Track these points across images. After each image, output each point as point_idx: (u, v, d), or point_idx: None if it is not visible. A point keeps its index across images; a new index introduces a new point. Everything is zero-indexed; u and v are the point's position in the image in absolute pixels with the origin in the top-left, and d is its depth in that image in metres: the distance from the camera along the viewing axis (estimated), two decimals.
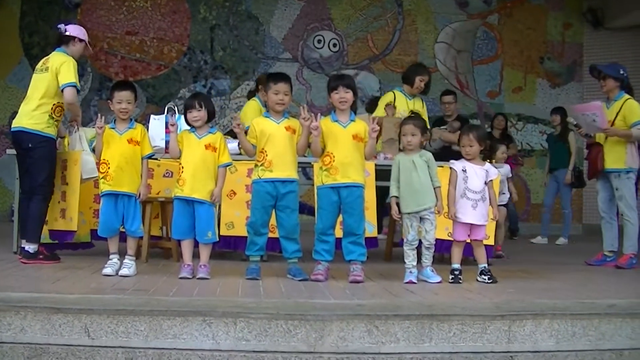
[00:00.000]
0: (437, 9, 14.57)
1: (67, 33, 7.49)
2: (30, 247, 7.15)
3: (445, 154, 8.67)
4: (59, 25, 7.61)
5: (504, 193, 8.97)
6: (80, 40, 7.54)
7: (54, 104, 7.27)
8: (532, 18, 14.69)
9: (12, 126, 7.41)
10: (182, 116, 6.86)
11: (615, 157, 8.19)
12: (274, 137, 6.44)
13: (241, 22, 14.23)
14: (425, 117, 8.84)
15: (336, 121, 6.48)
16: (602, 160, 8.24)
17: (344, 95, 6.45)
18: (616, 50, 13.83)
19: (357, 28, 14.39)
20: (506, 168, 9.09)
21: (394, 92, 9.13)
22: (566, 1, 14.74)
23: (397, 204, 6.51)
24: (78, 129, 7.63)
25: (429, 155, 6.58)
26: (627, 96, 8.22)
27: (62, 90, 7.20)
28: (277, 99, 6.47)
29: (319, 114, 6.52)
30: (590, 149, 8.52)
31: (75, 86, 7.23)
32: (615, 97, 8.28)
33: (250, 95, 9.76)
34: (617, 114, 8.15)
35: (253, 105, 9.10)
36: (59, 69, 7.23)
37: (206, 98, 6.67)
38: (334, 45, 14.31)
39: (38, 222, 7.25)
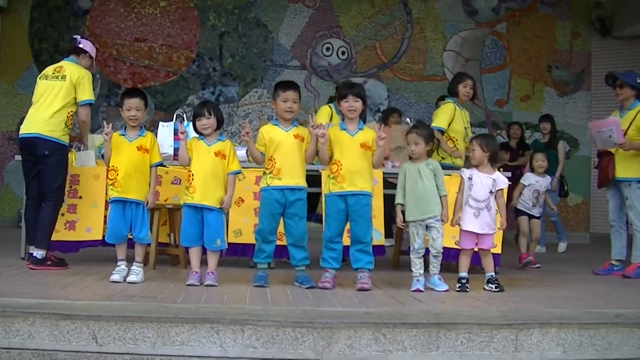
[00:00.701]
0: (446, 18, 14.58)
1: (81, 46, 7.59)
2: (39, 253, 7.18)
3: None
4: (75, 36, 7.73)
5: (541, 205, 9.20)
6: (90, 57, 7.66)
7: (69, 113, 7.36)
8: (540, 27, 14.68)
9: (25, 132, 7.40)
10: (191, 123, 6.87)
11: (626, 167, 8.13)
12: (283, 145, 6.46)
13: (250, 29, 14.26)
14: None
15: (344, 129, 6.49)
16: (613, 169, 8.19)
17: (353, 104, 6.46)
18: (624, 59, 13.81)
19: (366, 36, 14.40)
20: (546, 180, 9.22)
21: (454, 104, 8.84)
22: (574, 10, 14.73)
23: (403, 212, 6.53)
24: (86, 147, 7.71)
25: (436, 164, 6.59)
26: None
27: (80, 105, 7.34)
28: (285, 107, 6.49)
29: (327, 122, 6.54)
30: (600, 158, 8.44)
31: (92, 104, 7.42)
32: (629, 106, 8.20)
33: (330, 100, 9.71)
34: (631, 123, 8.08)
35: (325, 110, 9.00)
36: (78, 82, 7.35)
37: (215, 106, 6.69)
38: (343, 53, 14.32)
39: (48, 228, 7.28)
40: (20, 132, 7.47)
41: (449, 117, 8.66)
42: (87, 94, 7.36)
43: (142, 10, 14.10)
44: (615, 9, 14.27)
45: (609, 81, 8.48)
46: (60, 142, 7.28)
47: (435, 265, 6.49)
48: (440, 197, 6.49)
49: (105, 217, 7.34)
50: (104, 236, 7.11)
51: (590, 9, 14.61)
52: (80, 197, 7.68)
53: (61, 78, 7.38)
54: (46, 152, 7.26)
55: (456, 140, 8.62)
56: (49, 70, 7.56)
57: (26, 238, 7.69)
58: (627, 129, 8.08)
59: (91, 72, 7.76)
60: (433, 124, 8.57)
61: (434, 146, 7.74)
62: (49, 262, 7.20)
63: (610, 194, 8.45)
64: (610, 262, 8.35)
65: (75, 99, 7.36)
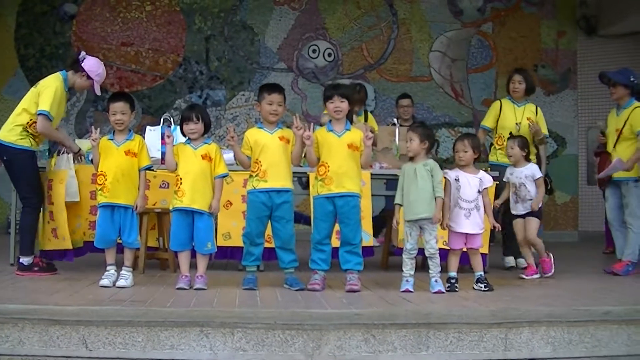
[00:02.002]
0: (432, 18, 14.58)
1: (82, 64, 7.39)
2: (25, 260, 7.16)
3: None
4: (81, 52, 7.58)
5: (529, 199, 7.69)
6: (89, 77, 7.41)
7: (30, 119, 7.20)
8: (525, 26, 14.70)
9: None
10: (178, 127, 6.87)
11: None
12: (268, 147, 6.46)
13: (236, 32, 14.25)
14: (543, 122, 8.74)
15: (331, 131, 6.51)
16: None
17: (339, 104, 6.47)
18: (610, 57, 13.85)
19: (352, 37, 14.40)
20: (526, 169, 7.70)
21: (500, 101, 8.83)
22: (559, 9, 14.76)
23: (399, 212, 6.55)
24: (65, 152, 7.55)
25: (433, 164, 6.55)
26: (636, 104, 8.11)
27: (37, 114, 7.16)
28: (270, 110, 6.49)
29: (312, 124, 6.55)
30: (600, 159, 8.51)
31: (46, 115, 7.12)
32: (625, 105, 8.18)
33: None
34: (625, 122, 8.08)
35: None
36: (41, 90, 7.22)
37: (203, 110, 6.70)
38: (329, 54, 14.32)
39: (28, 234, 7.24)
40: None
41: (494, 115, 8.72)
42: (43, 104, 7.11)
43: (128, 15, 14.07)
44: (600, 8, 14.31)
45: (603, 80, 8.47)
46: (17, 146, 7.16)
47: (432, 267, 6.48)
48: (435, 197, 6.47)
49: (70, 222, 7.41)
50: (91, 242, 7.07)
51: (575, 7, 14.64)
52: (52, 203, 7.53)
53: (35, 85, 7.35)
54: (5, 158, 7.23)
55: (504, 137, 8.47)
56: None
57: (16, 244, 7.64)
58: (622, 127, 8.10)
59: (92, 92, 7.65)
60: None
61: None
62: (36, 268, 7.18)
63: (609, 192, 8.45)
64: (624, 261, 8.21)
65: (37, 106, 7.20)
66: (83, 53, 7.53)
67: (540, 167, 7.94)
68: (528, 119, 8.51)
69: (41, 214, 7.48)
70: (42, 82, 7.33)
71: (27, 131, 7.23)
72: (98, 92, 7.68)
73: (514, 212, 7.74)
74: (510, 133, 8.28)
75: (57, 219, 7.44)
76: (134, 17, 14.07)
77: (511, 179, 7.72)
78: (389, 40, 14.47)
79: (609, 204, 8.44)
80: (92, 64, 7.43)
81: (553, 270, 7.66)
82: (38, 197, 7.37)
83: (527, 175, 7.64)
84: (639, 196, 8.10)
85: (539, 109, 8.83)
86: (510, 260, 8.56)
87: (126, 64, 13.88)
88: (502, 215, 8.19)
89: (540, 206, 7.72)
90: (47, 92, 7.17)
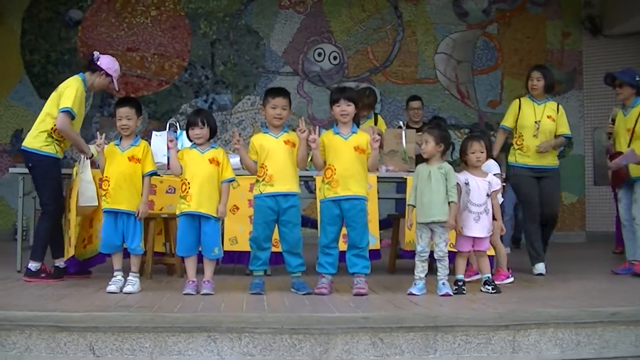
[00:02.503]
0: (437, 20, 14.58)
1: (98, 63, 7.46)
2: (33, 265, 7.17)
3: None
4: (94, 52, 7.62)
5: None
6: (107, 74, 7.50)
7: (54, 124, 7.22)
8: (531, 27, 14.69)
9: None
10: (184, 132, 6.87)
11: (638, 166, 8.04)
12: (274, 151, 6.47)
13: (241, 36, 14.25)
14: (564, 121, 8.49)
15: (337, 134, 6.50)
16: (626, 169, 8.09)
17: (345, 108, 6.47)
18: (615, 57, 13.85)
19: (357, 40, 14.40)
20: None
21: (520, 99, 8.63)
22: (564, 10, 14.75)
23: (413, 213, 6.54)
24: (84, 158, 7.55)
25: (448, 168, 6.52)
26: None
27: (58, 112, 7.18)
28: (274, 114, 6.50)
29: (317, 127, 6.55)
30: (612, 159, 8.37)
31: (68, 111, 7.15)
32: (632, 104, 8.14)
33: None
34: (637, 120, 8.02)
35: None
36: (62, 91, 7.25)
37: (209, 115, 6.70)
38: (335, 58, 14.32)
39: (42, 240, 7.26)
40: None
41: (513, 114, 8.48)
42: (65, 101, 7.15)
43: (133, 20, 14.09)
44: (604, 8, 14.31)
45: (607, 81, 8.42)
46: (42, 153, 7.20)
47: (440, 270, 6.46)
48: (449, 202, 6.45)
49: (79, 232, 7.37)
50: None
51: (580, 8, 14.63)
52: (69, 211, 7.56)
53: (55, 90, 7.37)
54: (30, 164, 7.27)
55: (523, 136, 8.32)
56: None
57: (22, 250, 7.63)
58: (634, 126, 8.04)
59: (111, 89, 7.70)
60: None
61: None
62: (43, 275, 7.19)
63: (622, 193, 8.35)
64: (630, 262, 8.16)
65: None
66: (97, 53, 7.58)
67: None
68: (549, 117, 8.31)
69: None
70: (61, 85, 7.36)
71: (52, 137, 7.25)
72: (117, 87, 7.77)
73: None
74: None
75: (71, 227, 7.41)
76: (139, 22, 14.09)
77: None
78: (394, 43, 14.47)
79: (623, 205, 8.33)
80: (108, 62, 7.52)
81: (508, 281, 7.35)
82: (58, 204, 7.37)
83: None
84: None
85: (560, 106, 8.55)
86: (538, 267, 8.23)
87: (132, 69, 13.89)
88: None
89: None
90: (68, 91, 7.23)
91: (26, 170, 7.48)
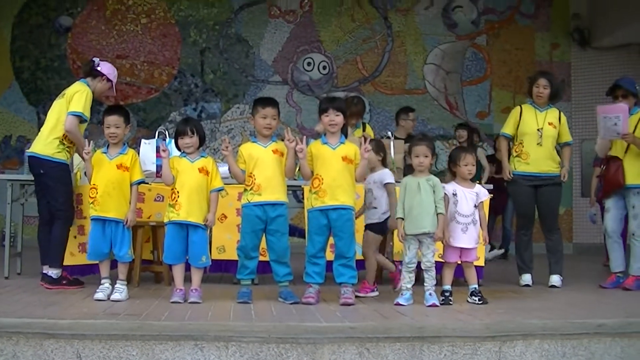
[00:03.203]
0: (426, 31, 14.65)
1: (98, 68, 7.53)
2: (54, 273, 7.18)
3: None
4: (93, 59, 7.68)
5: (374, 207, 7.18)
6: (108, 80, 7.58)
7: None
8: (520, 38, 14.78)
9: (27, 152, 7.48)
10: (173, 140, 6.89)
11: (635, 173, 7.92)
12: (262, 161, 6.47)
13: (231, 45, 14.29)
14: (566, 128, 8.34)
15: (326, 143, 6.51)
16: (623, 175, 7.93)
17: (334, 117, 6.48)
18: (603, 68, 13.95)
19: (347, 50, 14.46)
20: (381, 173, 7.25)
21: (521, 106, 8.47)
22: (553, 21, 14.85)
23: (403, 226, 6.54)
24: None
25: (436, 180, 6.54)
26: None
27: (67, 115, 7.24)
28: (264, 123, 6.51)
29: (305, 137, 6.56)
30: (608, 165, 8.16)
31: (78, 115, 7.23)
32: (631, 112, 7.98)
33: None
34: (636, 127, 7.92)
35: None
36: (72, 97, 7.29)
37: (197, 124, 6.71)
38: (324, 67, 14.36)
39: (60, 246, 7.29)
40: (26, 152, 7.53)
41: (514, 121, 8.34)
42: (75, 106, 7.23)
43: (123, 28, 14.11)
44: (593, 20, 14.41)
45: (611, 91, 8.20)
46: (54, 159, 7.24)
47: (427, 281, 6.46)
48: (437, 214, 6.46)
49: None
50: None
51: (569, 20, 14.74)
52: (85, 217, 7.53)
53: (62, 96, 7.40)
54: (41, 171, 7.28)
55: (523, 143, 8.21)
56: (62, 91, 7.55)
57: (40, 257, 7.56)
58: (633, 132, 7.90)
59: (109, 94, 7.75)
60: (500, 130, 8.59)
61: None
62: (64, 282, 7.21)
63: (612, 203, 8.14)
64: (616, 275, 8.06)
65: None
66: (96, 59, 7.66)
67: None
68: (550, 123, 8.16)
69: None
70: (68, 91, 7.40)
71: (63, 144, 7.31)
72: (114, 93, 7.84)
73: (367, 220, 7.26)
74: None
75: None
76: (129, 29, 14.12)
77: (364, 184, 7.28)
78: (383, 53, 14.53)
79: (612, 215, 8.14)
80: (108, 67, 7.63)
81: (372, 295, 7.05)
82: (72, 210, 7.45)
83: (375, 180, 7.21)
84: None
85: (562, 114, 8.39)
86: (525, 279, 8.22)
87: (121, 76, 13.75)
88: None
89: (385, 219, 7.16)
90: (78, 95, 7.29)
91: (18, 176, 7.49)
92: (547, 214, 8.31)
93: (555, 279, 8.07)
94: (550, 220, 8.34)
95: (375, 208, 7.16)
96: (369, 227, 7.20)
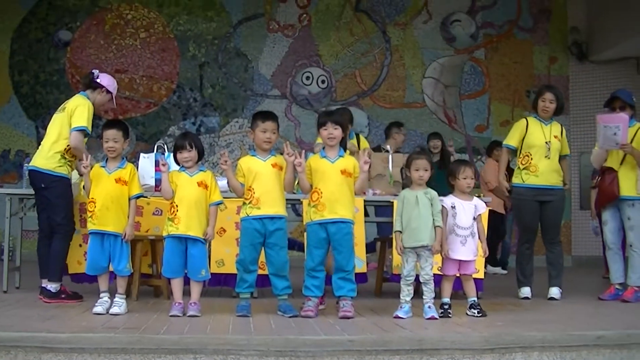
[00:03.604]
0: (425, 44, 14.67)
1: (98, 80, 7.55)
2: (52, 287, 7.18)
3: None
4: (93, 71, 7.70)
5: None
6: (108, 91, 7.61)
7: (67, 145, 7.30)
8: (518, 52, 14.81)
9: (29, 165, 7.48)
10: (171, 154, 6.89)
11: (629, 184, 7.95)
12: (261, 174, 6.48)
13: (230, 59, 14.31)
14: (566, 141, 8.36)
15: (324, 157, 6.52)
16: (617, 187, 7.96)
17: (332, 131, 6.50)
18: (601, 82, 13.99)
19: (345, 64, 14.47)
20: None
21: (526, 119, 8.41)
22: (551, 35, 14.89)
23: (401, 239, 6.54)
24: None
25: (434, 194, 6.57)
26: (638, 123, 8.08)
27: (71, 131, 7.26)
28: (264, 137, 6.51)
29: (304, 151, 6.57)
30: (602, 176, 8.21)
31: (83, 130, 7.26)
32: (629, 124, 7.98)
33: None
34: (632, 139, 7.92)
35: None
36: (73, 111, 7.31)
37: (196, 138, 6.74)
38: (323, 81, 14.38)
39: (60, 260, 7.30)
40: (27, 166, 7.55)
41: (519, 133, 8.29)
42: (79, 120, 7.25)
43: (122, 42, 14.13)
44: (591, 34, 14.46)
45: (607, 103, 8.29)
46: (56, 174, 7.25)
47: (426, 293, 6.47)
48: (435, 227, 6.48)
49: None
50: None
51: (567, 34, 14.78)
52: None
53: (62, 110, 7.42)
54: (42, 185, 7.29)
55: (531, 155, 8.16)
56: (62, 105, 7.58)
57: (40, 271, 7.56)
58: (630, 143, 7.90)
59: (109, 107, 7.78)
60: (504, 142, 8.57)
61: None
62: (63, 295, 7.21)
63: (609, 215, 8.18)
64: (615, 287, 8.08)
65: None
66: (96, 71, 7.68)
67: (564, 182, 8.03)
68: (555, 137, 8.15)
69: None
70: (69, 105, 7.41)
71: (65, 158, 7.33)
72: (114, 105, 7.92)
73: None
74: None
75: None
76: (128, 44, 14.13)
77: None
78: (382, 67, 14.55)
79: (610, 227, 8.18)
80: (108, 79, 7.66)
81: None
82: (72, 224, 7.45)
83: None
84: None
85: (564, 128, 8.43)
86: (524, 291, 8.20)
87: (120, 90, 13.74)
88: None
89: None
90: (80, 109, 7.31)
91: (17, 191, 7.50)
92: (550, 226, 8.28)
93: (554, 292, 8.05)
94: (552, 233, 8.31)
95: None
96: None
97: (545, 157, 8.10)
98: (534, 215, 8.20)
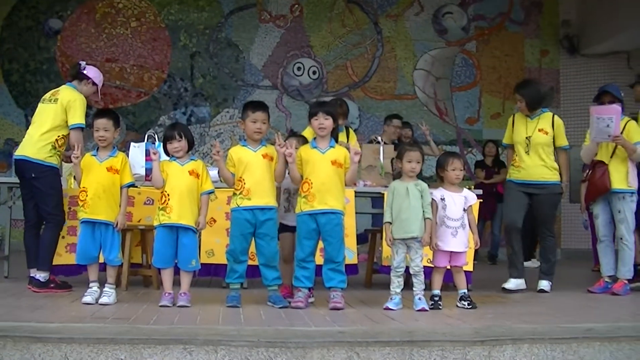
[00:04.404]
0: (416, 36, 14.67)
1: (84, 72, 7.58)
2: (42, 276, 7.16)
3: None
4: (80, 62, 7.72)
5: None
6: (94, 84, 7.64)
7: (58, 136, 7.32)
8: (509, 45, 14.83)
9: (16, 154, 7.45)
10: (161, 145, 6.87)
11: (620, 177, 7.99)
12: (252, 165, 6.48)
13: (221, 49, 14.28)
14: (561, 132, 8.19)
15: (315, 147, 6.52)
16: (609, 180, 7.98)
17: (323, 121, 6.49)
18: (592, 76, 14.01)
19: (337, 55, 14.46)
20: None
21: (514, 115, 8.43)
22: (543, 29, 14.92)
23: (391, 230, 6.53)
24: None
25: (425, 186, 6.57)
26: (627, 117, 8.13)
27: (70, 129, 7.30)
28: (254, 128, 6.50)
29: (298, 141, 6.56)
30: (593, 169, 8.20)
31: (82, 127, 7.31)
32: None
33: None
34: (622, 133, 7.92)
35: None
36: (69, 105, 7.32)
37: (185, 128, 6.72)
38: (314, 72, 14.36)
39: (50, 250, 7.28)
40: (14, 155, 7.48)
41: (508, 130, 8.40)
42: (77, 117, 7.30)
43: (113, 31, 14.07)
44: (582, 28, 14.48)
45: (596, 98, 8.29)
46: (47, 164, 7.26)
47: (416, 285, 6.47)
48: (425, 219, 6.49)
49: None
50: None
51: (558, 27, 14.81)
52: (78, 219, 7.56)
53: (54, 101, 7.40)
54: (33, 175, 7.27)
55: (516, 152, 8.21)
56: (47, 94, 7.58)
57: (27, 261, 7.55)
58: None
59: (93, 99, 7.78)
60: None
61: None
62: (52, 285, 7.19)
63: (600, 209, 8.20)
64: (604, 279, 8.10)
65: (66, 122, 7.32)
66: (83, 62, 7.69)
67: (562, 176, 7.95)
68: (541, 130, 8.07)
69: None
70: (61, 97, 7.40)
71: (55, 148, 7.33)
72: (99, 98, 7.97)
73: (283, 221, 7.03)
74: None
75: None
76: (119, 33, 14.08)
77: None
78: (373, 59, 14.54)
79: (601, 221, 8.19)
80: (94, 71, 7.69)
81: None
82: (63, 214, 7.45)
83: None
84: (633, 210, 7.99)
85: (556, 117, 8.29)
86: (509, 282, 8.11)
87: (111, 80, 13.84)
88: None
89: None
90: (76, 105, 7.35)
91: (6, 179, 7.48)
92: (540, 221, 8.23)
93: (544, 284, 8.05)
94: (543, 227, 8.25)
95: None
96: (292, 229, 6.88)
97: (526, 152, 8.11)
98: (518, 212, 8.13)
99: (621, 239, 7.99)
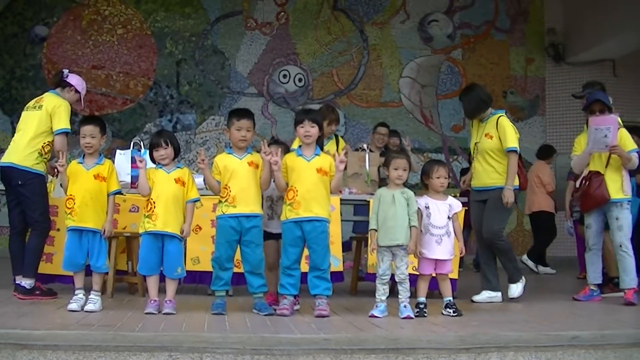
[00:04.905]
0: (402, 44, 14.71)
1: (67, 79, 7.58)
2: (27, 283, 7.14)
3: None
4: (63, 70, 7.74)
5: None
6: (77, 91, 7.64)
7: (44, 143, 7.32)
8: (495, 53, 14.89)
9: (1, 161, 7.44)
10: (147, 152, 6.87)
11: (616, 187, 7.89)
12: (237, 172, 6.48)
13: (207, 56, 14.28)
14: (505, 134, 7.75)
15: (300, 155, 6.53)
16: (607, 191, 7.84)
17: (309, 129, 6.50)
18: (577, 84, 13.86)
19: (323, 63, 14.48)
20: None
21: (472, 122, 8.24)
22: (528, 37, 14.99)
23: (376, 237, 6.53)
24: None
25: (411, 194, 6.59)
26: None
27: (55, 134, 7.30)
28: (239, 135, 6.51)
29: (280, 149, 6.57)
30: (589, 180, 8.01)
31: (67, 132, 7.33)
32: None
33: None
34: None
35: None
36: (54, 111, 7.34)
37: (171, 135, 6.73)
38: (300, 80, 14.38)
39: (35, 257, 7.27)
40: (0, 162, 7.48)
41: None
42: (62, 122, 7.32)
43: (99, 38, 14.05)
44: (567, 36, 14.57)
45: (585, 106, 8.17)
46: (33, 171, 7.25)
47: (401, 292, 6.47)
48: (410, 226, 6.50)
49: None
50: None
51: (544, 35, 14.89)
52: (58, 230, 7.60)
53: (38, 108, 7.41)
54: (19, 182, 7.26)
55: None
56: (31, 102, 7.60)
57: (12, 268, 7.53)
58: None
59: (77, 107, 7.79)
60: None
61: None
62: (37, 292, 7.16)
63: (592, 218, 8.07)
64: (590, 287, 8.05)
65: (51, 128, 7.32)
66: (66, 70, 7.70)
67: (507, 180, 7.75)
68: (486, 134, 7.86)
69: None
70: (45, 103, 7.41)
71: (42, 155, 7.33)
72: (82, 106, 7.96)
73: (267, 228, 6.90)
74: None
75: (60, 245, 7.32)
76: (105, 40, 14.06)
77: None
78: (359, 66, 14.57)
79: (593, 230, 8.07)
80: (77, 79, 7.68)
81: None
82: (49, 221, 7.44)
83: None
84: (629, 217, 7.90)
85: (501, 119, 7.89)
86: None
87: (97, 87, 13.83)
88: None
89: None
90: (60, 110, 7.36)
91: None
92: (484, 225, 7.95)
93: (511, 290, 7.92)
94: (484, 232, 7.94)
95: None
96: (276, 236, 6.89)
97: (475, 158, 8.07)
98: (476, 213, 8.05)
99: (620, 246, 7.86)
